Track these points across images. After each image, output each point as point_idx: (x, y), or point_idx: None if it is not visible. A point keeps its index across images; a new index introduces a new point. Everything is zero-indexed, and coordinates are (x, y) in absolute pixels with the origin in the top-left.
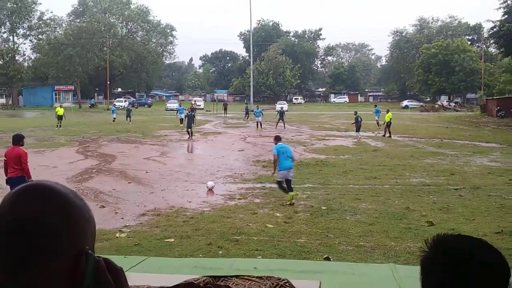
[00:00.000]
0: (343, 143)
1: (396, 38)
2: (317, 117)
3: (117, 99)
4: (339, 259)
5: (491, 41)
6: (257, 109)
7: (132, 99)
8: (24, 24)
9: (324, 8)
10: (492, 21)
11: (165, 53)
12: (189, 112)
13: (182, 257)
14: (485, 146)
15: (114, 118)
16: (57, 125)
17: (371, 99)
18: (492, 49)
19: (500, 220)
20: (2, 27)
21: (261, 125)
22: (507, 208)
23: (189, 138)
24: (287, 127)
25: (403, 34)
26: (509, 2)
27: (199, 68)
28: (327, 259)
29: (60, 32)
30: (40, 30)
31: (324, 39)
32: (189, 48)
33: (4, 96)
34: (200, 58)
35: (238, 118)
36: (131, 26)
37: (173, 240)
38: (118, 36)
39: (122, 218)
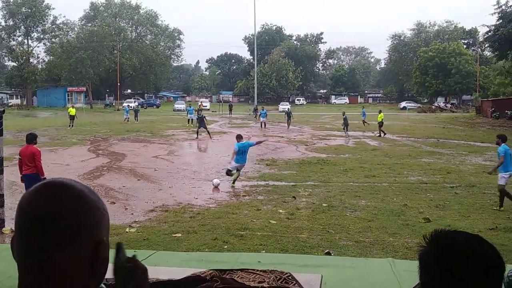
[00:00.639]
0: (343, 143)
1: (395, 42)
2: (319, 118)
3: (127, 100)
4: (340, 254)
5: (486, 45)
6: (262, 110)
7: (141, 100)
8: (38, 28)
9: (325, 13)
10: (487, 26)
11: (172, 56)
12: (199, 114)
13: (189, 251)
14: (480, 145)
15: (128, 118)
16: (69, 125)
17: (370, 100)
18: (487, 53)
19: (495, 217)
20: (17, 31)
21: (265, 125)
22: None
23: (196, 137)
24: (289, 127)
25: (402, 38)
26: (503, 7)
27: (205, 71)
28: (328, 253)
29: (73, 35)
30: (53, 33)
31: (325, 42)
32: (196, 51)
33: (19, 97)
34: (207, 61)
35: (242, 119)
36: (140, 30)
37: (180, 235)
38: (128, 40)
39: (132, 214)
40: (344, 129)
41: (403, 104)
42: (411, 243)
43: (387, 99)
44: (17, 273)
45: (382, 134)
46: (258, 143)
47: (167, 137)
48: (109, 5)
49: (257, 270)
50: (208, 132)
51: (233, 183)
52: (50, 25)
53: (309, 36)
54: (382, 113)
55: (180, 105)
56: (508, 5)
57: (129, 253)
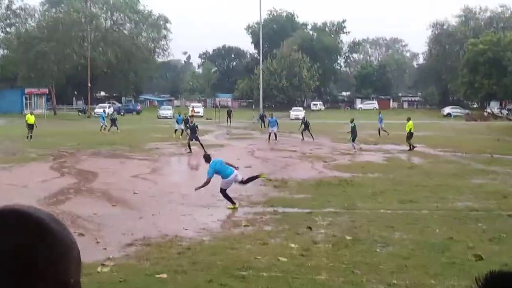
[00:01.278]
0: (372, 159)
1: (436, 32)
2: (340, 127)
3: (100, 104)
4: None
5: None
6: (271, 117)
7: (118, 104)
8: None
9: None
10: None
11: (157, 50)
12: (191, 123)
13: None
14: None
15: (105, 126)
16: (27, 136)
17: (405, 105)
18: None
19: None
20: None
21: (275, 136)
22: None
23: (188, 151)
24: (304, 139)
25: (445, 27)
26: None
27: (198, 68)
28: None
29: (32, 24)
30: (8, 21)
31: (348, 32)
32: (187, 44)
33: None
34: (200, 56)
35: (245, 128)
36: (117, 17)
37: (166, 276)
38: (101, 29)
39: (105, 248)
40: (350, 140)
41: (446, 110)
42: (458, 287)
43: (426, 103)
44: None
45: (411, 148)
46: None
47: (150, 151)
48: None
49: None
50: (202, 145)
51: (233, 205)
52: (4, 10)
53: (328, 24)
54: (411, 122)
55: (166, 111)
56: None
57: None
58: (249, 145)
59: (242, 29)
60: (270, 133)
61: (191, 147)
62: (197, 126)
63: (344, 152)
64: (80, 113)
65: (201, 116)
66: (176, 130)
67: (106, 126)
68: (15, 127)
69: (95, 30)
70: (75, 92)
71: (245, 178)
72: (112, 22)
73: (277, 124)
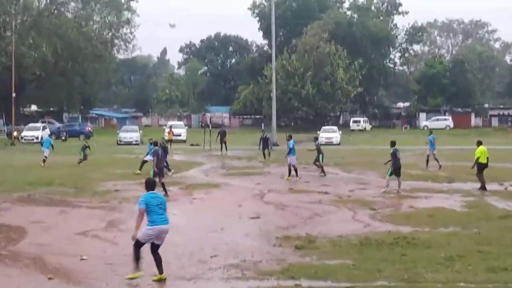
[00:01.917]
0: (444, 204)
1: None
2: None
3: (29, 125)
4: None
5: None
6: (289, 140)
7: (58, 124)
8: None
9: None
10: None
11: (117, 42)
12: (163, 143)
13: None
14: None
15: (46, 158)
16: None
17: (495, 121)
18: None
19: None
20: None
21: (296, 171)
22: None
23: (165, 194)
24: (339, 174)
25: None
26: None
27: (179, 68)
28: None
29: None
30: None
31: (406, 13)
32: (162, 34)
33: None
34: (182, 50)
35: (249, 158)
36: None
37: None
38: (32, 11)
39: None
40: (388, 173)
41: None
42: None
43: None
44: None
45: (482, 186)
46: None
47: (106, 195)
48: None
49: None
50: (162, 183)
51: (134, 275)
52: None
53: (375, 2)
54: (482, 147)
55: (130, 133)
56: None
57: None
58: (257, 184)
59: (245, 9)
60: (289, 166)
61: (167, 190)
62: (166, 146)
63: (401, 193)
64: (8, 137)
65: (184, 141)
66: (144, 163)
67: (46, 157)
68: None
69: (22, 12)
70: None
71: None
72: (48, 2)
73: (294, 150)
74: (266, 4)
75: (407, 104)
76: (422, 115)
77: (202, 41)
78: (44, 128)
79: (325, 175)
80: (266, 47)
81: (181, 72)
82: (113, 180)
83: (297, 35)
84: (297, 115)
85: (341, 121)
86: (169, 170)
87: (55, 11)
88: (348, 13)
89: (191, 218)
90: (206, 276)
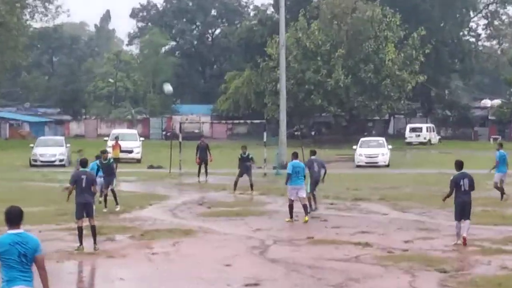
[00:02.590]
0: None
1: None
2: (481, 182)
3: None
4: None
5: None
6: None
7: None
8: None
9: None
10: None
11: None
12: (104, 160)
13: None
14: None
15: None
16: None
17: None
18: None
19: None
20: None
21: (311, 205)
22: None
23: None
24: (389, 214)
25: None
26: None
27: (129, 43)
28: None
29: None
30: None
31: None
32: None
33: None
34: (134, 14)
35: (241, 188)
36: None
37: None
38: None
39: None
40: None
41: None
42: None
43: None
44: None
45: None
46: None
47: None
48: None
49: None
50: (115, 196)
51: None
52: None
53: None
54: None
55: (50, 148)
56: None
57: None
58: (255, 230)
59: None
60: (305, 203)
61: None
62: (113, 163)
63: (492, 243)
64: None
65: (138, 161)
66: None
67: None
68: None
69: None
70: None
71: None
72: None
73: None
74: None
75: (497, 101)
76: None
77: (167, 1)
78: None
79: (315, 209)
80: (270, 11)
81: (134, 50)
82: (24, 225)
83: None
84: (319, 119)
85: (391, 129)
86: (116, 203)
87: None
88: None
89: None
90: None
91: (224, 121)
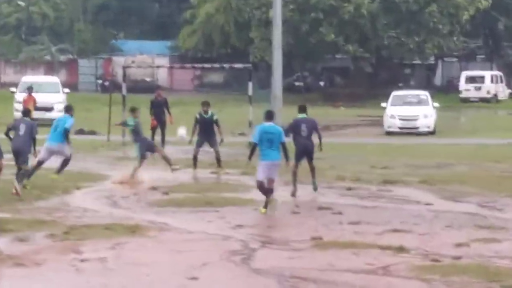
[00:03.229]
0: None
1: None
2: None
3: None
4: None
5: None
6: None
7: None
8: None
9: None
10: None
11: None
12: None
13: None
14: None
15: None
16: None
17: None
18: None
19: None
20: None
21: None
22: None
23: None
24: (433, 204)
25: None
26: None
27: None
28: None
29: None
30: None
31: None
32: None
33: None
34: None
35: (213, 166)
36: None
37: None
38: None
39: None
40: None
41: None
42: None
43: None
44: None
45: None
46: None
47: None
48: None
49: None
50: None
51: None
52: None
53: None
54: None
55: None
56: None
57: None
58: (234, 227)
59: None
60: (271, 186)
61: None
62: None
63: None
64: None
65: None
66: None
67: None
68: None
69: None
70: None
71: None
72: None
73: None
74: None
75: None
76: None
77: None
78: None
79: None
80: None
81: None
82: None
83: None
84: (332, 63)
85: (438, 79)
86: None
87: None
88: None
89: None
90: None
91: (189, 65)
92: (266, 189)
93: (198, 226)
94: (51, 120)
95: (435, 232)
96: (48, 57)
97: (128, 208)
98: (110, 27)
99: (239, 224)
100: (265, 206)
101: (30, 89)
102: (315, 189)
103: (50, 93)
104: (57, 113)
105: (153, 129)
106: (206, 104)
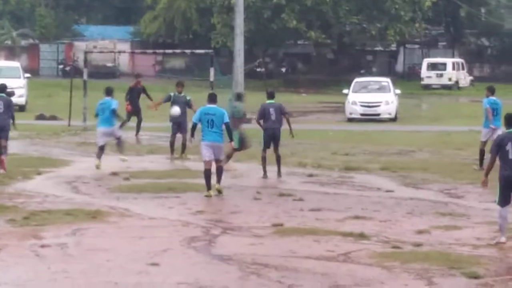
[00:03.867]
0: None
1: None
2: None
3: None
4: None
5: None
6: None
7: None
8: None
9: None
10: None
11: None
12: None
13: None
14: None
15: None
16: None
17: None
18: None
19: None
20: None
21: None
22: None
23: None
24: (394, 192)
25: None
26: None
27: None
28: None
29: None
30: None
31: None
32: None
33: None
34: None
35: (177, 151)
36: None
37: None
38: None
39: None
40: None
41: None
42: None
43: None
44: None
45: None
46: None
47: None
48: None
49: None
50: None
51: None
52: None
53: None
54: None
55: None
56: None
57: None
58: (195, 213)
59: None
60: (220, 164)
61: None
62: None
63: None
64: None
65: (21, 108)
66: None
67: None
68: None
69: None
70: None
71: None
72: None
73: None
74: None
75: None
76: None
77: None
78: None
79: (266, 176)
80: None
81: None
82: None
83: None
84: (294, 49)
85: (400, 66)
86: None
87: None
88: None
89: None
90: None
91: (150, 51)
92: (217, 168)
93: (159, 212)
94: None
95: (396, 219)
96: (9, 42)
97: (89, 194)
98: (72, 12)
99: (200, 210)
100: (209, 188)
101: None
102: (279, 176)
103: (10, 78)
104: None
105: (129, 115)
106: (180, 84)
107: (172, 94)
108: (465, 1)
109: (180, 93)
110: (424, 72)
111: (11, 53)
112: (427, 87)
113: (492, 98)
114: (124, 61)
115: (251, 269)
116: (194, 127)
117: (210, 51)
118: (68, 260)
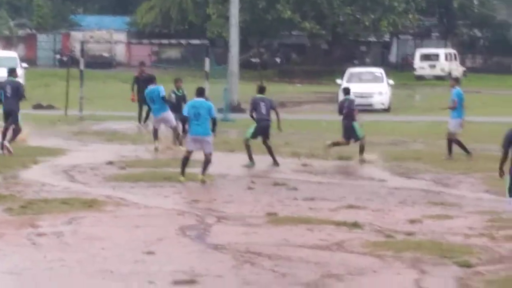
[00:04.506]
0: None
1: None
2: None
3: None
4: None
5: None
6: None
7: None
8: None
9: None
10: None
11: None
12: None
13: None
14: None
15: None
16: None
17: None
18: None
19: None
20: None
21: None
22: None
23: None
24: (387, 181)
25: None
26: None
27: None
28: None
29: None
30: None
31: None
32: None
33: None
34: None
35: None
36: None
37: None
38: None
39: None
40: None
41: None
42: None
43: None
44: None
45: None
46: None
47: None
48: None
49: None
50: None
51: None
52: None
53: None
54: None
55: None
56: None
57: None
58: (191, 202)
59: None
60: (208, 158)
61: None
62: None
63: None
64: None
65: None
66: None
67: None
68: None
69: None
70: None
71: None
72: None
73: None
74: None
75: None
76: None
77: None
78: None
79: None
80: None
81: None
82: None
83: None
84: (288, 39)
85: (393, 57)
86: None
87: None
88: None
89: None
90: None
91: (147, 41)
92: (205, 161)
93: (154, 201)
94: None
95: (389, 208)
96: (6, 32)
97: (85, 183)
98: (69, 2)
99: (195, 199)
100: (183, 174)
101: None
102: (276, 165)
103: (7, 68)
104: None
105: (140, 106)
106: (179, 80)
107: (173, 94)
108: None
109: (179, 88)
110: (417, 62)
111: (9, 43)
112: (420, 77)
113: (458, 89)
114: (120, 51)
115: (245, 258)
116: (184, 120)
117: (205, 41)
118: (64, 248)
